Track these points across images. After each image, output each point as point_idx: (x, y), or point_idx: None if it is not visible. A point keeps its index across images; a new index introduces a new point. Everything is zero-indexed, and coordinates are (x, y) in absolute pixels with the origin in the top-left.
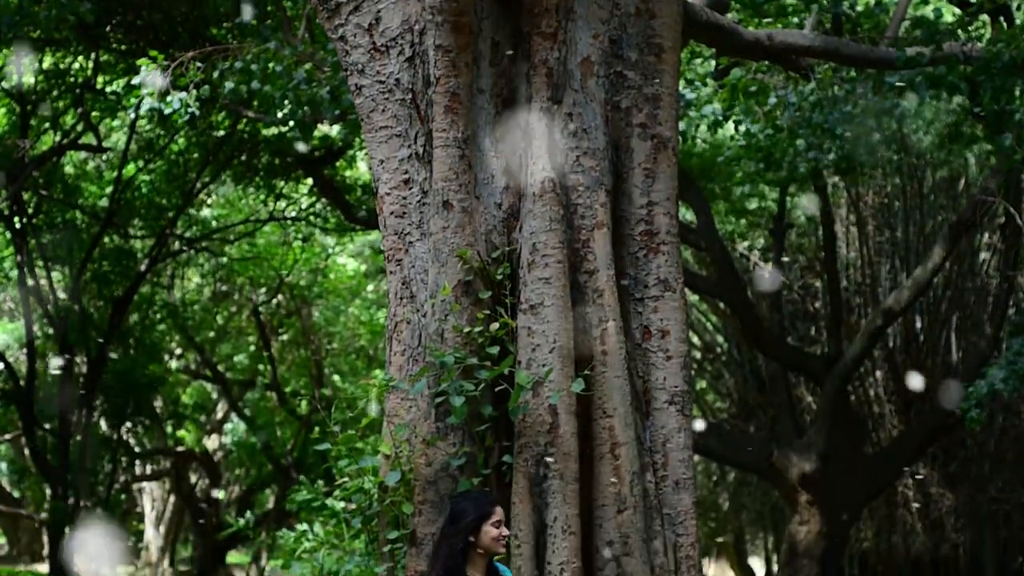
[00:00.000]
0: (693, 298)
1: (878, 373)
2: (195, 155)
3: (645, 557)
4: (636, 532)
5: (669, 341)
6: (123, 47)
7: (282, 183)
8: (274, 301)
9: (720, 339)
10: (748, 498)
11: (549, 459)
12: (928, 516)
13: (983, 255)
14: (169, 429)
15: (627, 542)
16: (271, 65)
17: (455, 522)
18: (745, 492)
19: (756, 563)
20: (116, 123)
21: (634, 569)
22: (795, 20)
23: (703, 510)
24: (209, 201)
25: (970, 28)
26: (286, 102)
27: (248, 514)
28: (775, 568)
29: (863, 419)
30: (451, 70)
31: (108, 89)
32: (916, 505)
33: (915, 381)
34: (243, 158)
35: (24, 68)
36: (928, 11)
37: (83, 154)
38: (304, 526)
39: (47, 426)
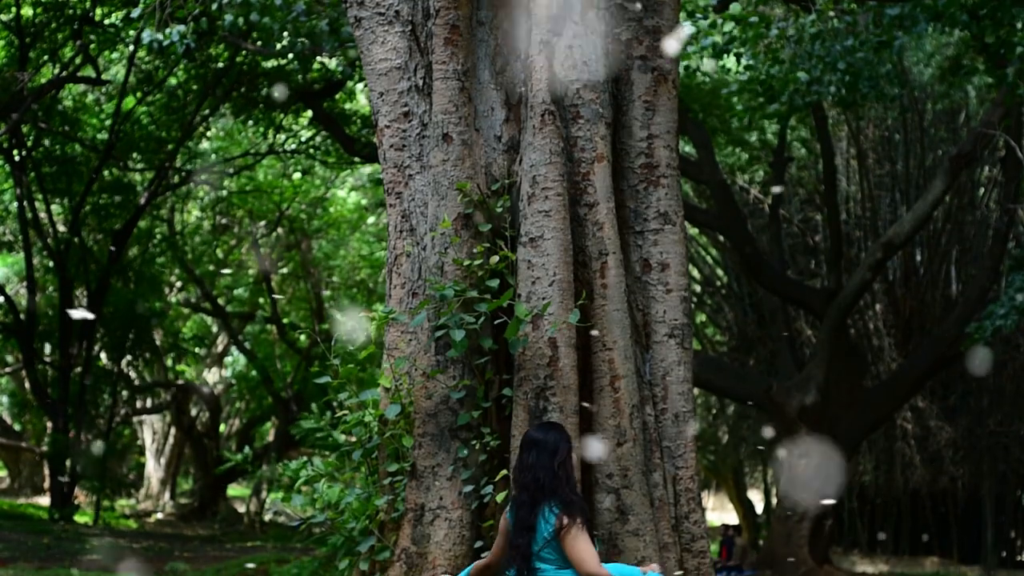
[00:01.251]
0: (693, 231)
1: (878, 306)
2: (194, 88)
3: (645, 490)
4: (636, 465)
5: (669, 274)
6: None
7: (281, 116)
8: (274, 234)
9: (720, 272)
10: (748, 431)
11: (549, 392)
12: (927, 449)
13: (983, 188)
14: (169, 362)
15: (627, 475)
16: None
17: (555, 452)
18: (744, 425)
19: (755, 496)
20: (115, 56)
21: (633, 501)
22: None
23: (702, 443)
24: (208, 134)
25: None
26: (285, 34)
27: (247, 449)
28: (774, 501)
29: (862, 352)
30: (451, 2)
31: (107, 21)
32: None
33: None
34: (242, 91)
35: (23, 0)
36: None
37: (82, 87)
38: (304, 458)
39: (47, 359)
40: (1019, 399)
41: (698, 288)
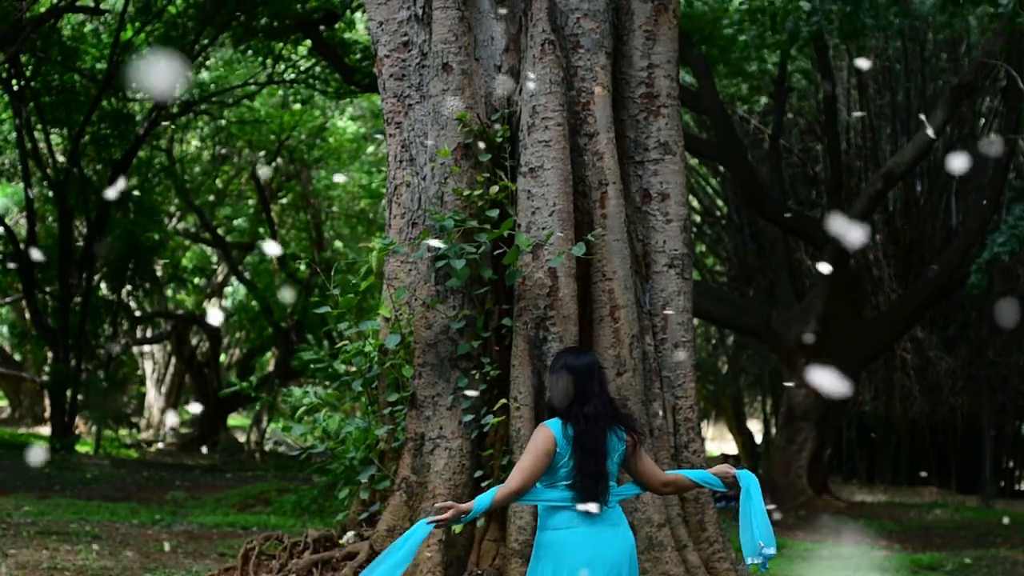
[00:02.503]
0: (693, 161)
1: (878, 237)
2: (193, 17)
3: (644, 419)
4: (635, 394)
5: (669, 204)
6: None
7: (280, 45)
8: (273, 164)
9: (720, 203)
10: (747, 361)
11: (549, 322)
12: (926, 380)
13: (984, 119)
14: (169, 292)
15: (626, 404)
16: None
17: (603, 378)
18: (744, 355)
19: (754, 426)
20: None
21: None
22: None
23: (702, 373)
24: (208, 64)
25: None
26: None
27: (256, 373)
28: (773, 431)
29: (862, 283)
30: None
31: None
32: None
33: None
34: (241, 20)
35: None
36: None
37: (81, 16)
38: (306, 388)
39: (48, 289)
40: (1018, 330)
41: (698, 218)
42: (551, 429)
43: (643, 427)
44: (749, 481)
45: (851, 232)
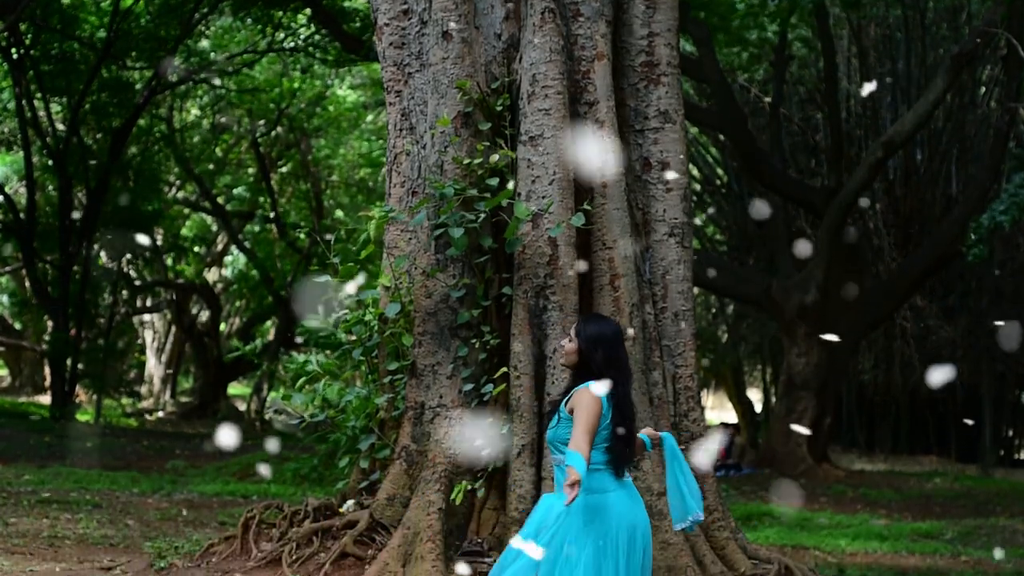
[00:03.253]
0: (693, 130)
1: (878, 205)
2: None
3: (644, 388)
4: (635, 363)
5: (669, 173)
6: None
7: (280, 13)
8: (273, 133)
9: (720, 171)
10: (747, 330)
11: (549, 291)
12: (925, 349)
13: (984, 87)
14: (169, 261)
15: None
16: None
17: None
18: (744, 324)
19: (754, 395)
20: None
21: (633, 399)
22: None
23: (702, 342)
24: (207, 32)
25: None
26: None
27: (257, 341)
28: (773, 400)
29: (862, 252)
30: None
31: None
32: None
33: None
34: None
35: None
36: None
37: None
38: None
39: (48, 258)
40: (1018, 299)
41: (698, 187)
42: (598, 392)
43: (643, 396)
44: (672, 442)
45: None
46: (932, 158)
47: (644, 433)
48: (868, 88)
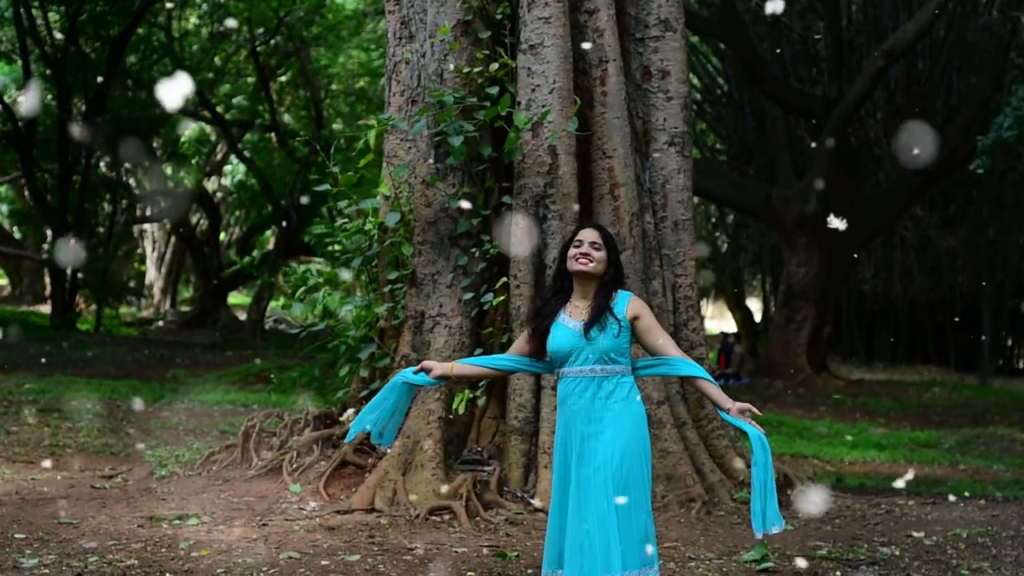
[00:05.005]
0: (694, 39)
1: (878, 115)
2: None
3: (644, 297)
4: (635, 272)
5: (669, 82)
6: None
7: None
8: (272, 41)
9: (720, 80)
10: (747, 240)
11: (549, 200)
12: (926, 258)
13: None
14: (169, 171)
15: (626, 283)
16: None
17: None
18: (744, 234)
19: (754, 304)
20: None
21: None
22: None
23: (701, 251)
24: None
25: None
26: None
27: (256, 252)
28: (772, 310)
29: (863, 161)
30: None
31: None
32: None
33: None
34: None
35: None
36: None
37: None
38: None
39: (47, 168)
40: (1019, 208)
41: (698, 96)
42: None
43: None
44: (760, 448)
45: None
46: (933, 67)
47: (737, 410)
48: None
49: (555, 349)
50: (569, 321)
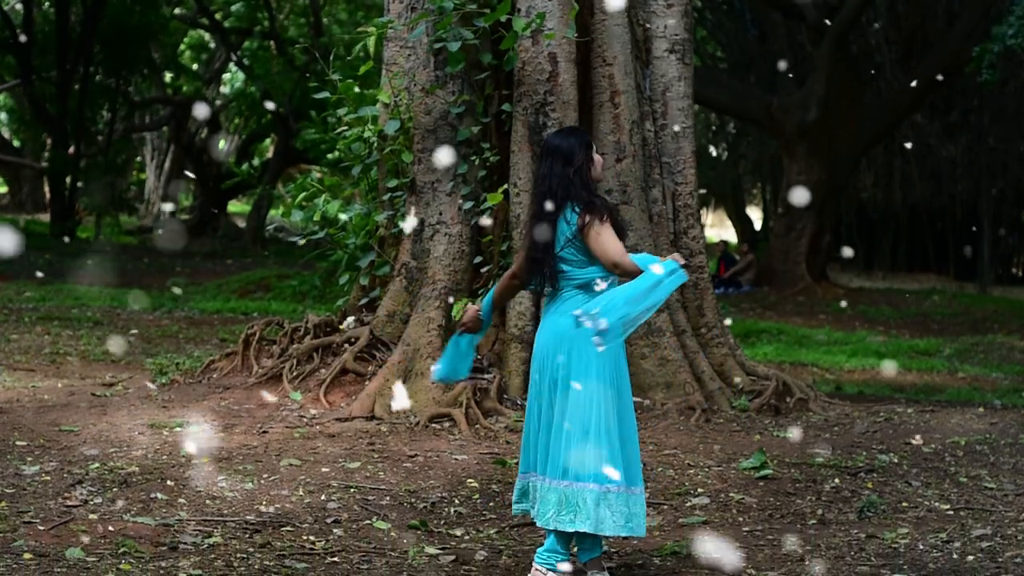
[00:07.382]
0: None
1: (878, 22)
2: None
3: (644, 205)
4: (635, 180)
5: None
6: None
7: None
8: None
9: None
10: (747, 148)
11: (549, 108)
12: (926, 166)
13: None
14: (168, 79)
15: (626, 190)
16: None
17: (570, 158)
18: (744, 142)
19: (753, 213)
20: None
21: (632, 217)
22: None
23: (701, 160)
24: None
25: None
26: None
27: (256, 160)
28: (771, 219)
29: (863, 69)
30: None
31: None
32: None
33: None
34: None
35: None
36: None
37: None
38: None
39: (45, 75)
40: (1020, 116)
41: (699, 3)
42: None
43: (642, 213)
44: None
45: None
46: None
47: (673, 259)
48: None
49: None
50: None
